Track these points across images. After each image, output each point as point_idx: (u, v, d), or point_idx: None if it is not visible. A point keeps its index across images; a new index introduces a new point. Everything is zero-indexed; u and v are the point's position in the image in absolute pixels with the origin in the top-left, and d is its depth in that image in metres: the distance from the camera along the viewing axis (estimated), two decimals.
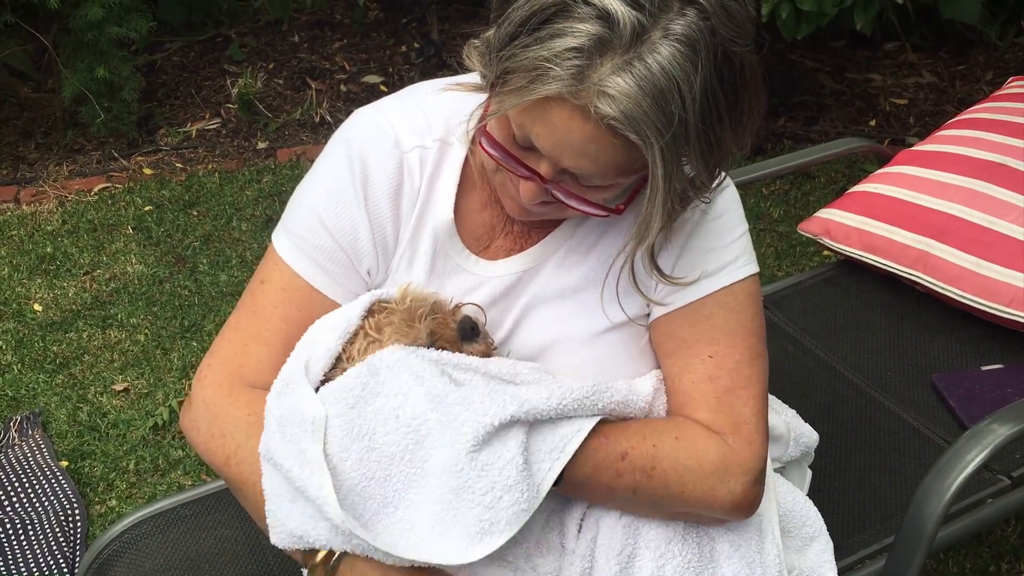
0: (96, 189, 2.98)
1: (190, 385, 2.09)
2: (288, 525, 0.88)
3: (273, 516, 0.89)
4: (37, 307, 2.46)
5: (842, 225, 1.71)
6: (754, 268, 1.01)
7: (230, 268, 2.59)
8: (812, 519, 1.09)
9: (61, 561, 1.72)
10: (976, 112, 1.81)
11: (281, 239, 1.04)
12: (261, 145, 3.19)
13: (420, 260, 1.01)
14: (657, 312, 1.00)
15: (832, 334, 1.62)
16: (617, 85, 0.77)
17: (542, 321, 1.01)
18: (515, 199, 0.93)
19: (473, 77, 0.96)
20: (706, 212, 0.98)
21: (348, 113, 3.35)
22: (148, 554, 1.34)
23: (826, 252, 2.19)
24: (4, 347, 2.32)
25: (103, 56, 2.94)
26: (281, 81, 3.48)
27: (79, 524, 1.81)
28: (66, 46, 2.98)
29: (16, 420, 2.06)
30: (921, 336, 1.60)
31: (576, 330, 1.00)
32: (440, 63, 3.55)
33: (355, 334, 0.96)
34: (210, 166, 3.09)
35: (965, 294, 1.55)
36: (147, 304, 2.46)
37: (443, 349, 0.95)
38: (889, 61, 3.42)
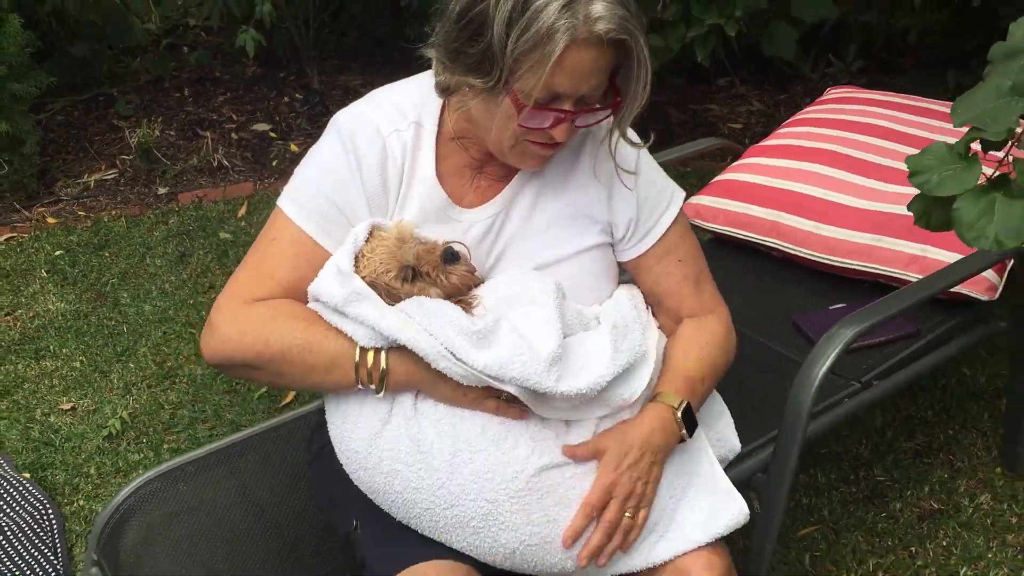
0: (1, 239, 3.07)
1: (134, 400, 2.26)
2: (360, 339, 1.17)
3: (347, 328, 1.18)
4: None
5: (710, 208, 2.08)
6: (682, 192, 1.37)
7: (152, 299, 2.74)
8: (718, 400, 1.41)
9: (49, 554, 1.85)
10: (806, 114, 2.23)
11: (288, 205, 1.28)
12: (162, 190, 3.36)
13: (410, 214, 1.29)
14: (640, 249, 1.33)
15: None
16: (600, 10, 1.08)
17: (520, 253, 1.30)
18: (538, 155, 1.22)
19: (424, 84, 1.28)
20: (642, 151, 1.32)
21: (244, 158, 3.63)
22: (157, 505, 1.52)
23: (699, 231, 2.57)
24: None
25: (3, 111, 3.06)
26: (173, 132, 3.66)
27: (54, 522, 1.94)
28: None
29: None
30: (781, 290, 1.97)
31: (553, 256, 1.30)
32: (324, 110, 3.81)
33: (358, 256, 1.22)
34: (113, 212, 3.23)
35: (812, 252, 1.94)
36: (76, 335, 2.59)
37: (427, 272, 1.22)
38: (723, 94, 3.92)
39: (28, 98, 3.13)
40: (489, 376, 1.15)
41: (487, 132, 1.24)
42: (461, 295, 1.25)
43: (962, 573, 1.79)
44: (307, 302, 1.25)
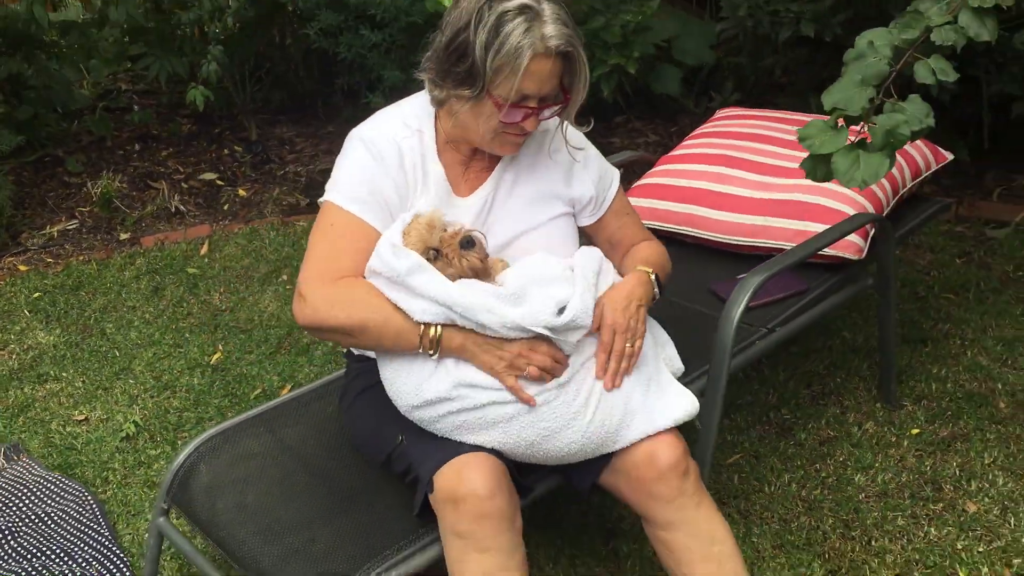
0: None
1: (141, 408, 2.55)
2: (414, 310, 1.51)
3: (405, 305, 1.51)
4: None
5: (635, 206, 2.52)
6: (617, 171, 1.83)
7: (135, 327, 3.02)
8: (663, 328, 1.83)
9: (95, 533, 2.13)
10: (703, 129, 2.72)
11: (336, 197, 1.65)
12: (124, 236, 3.64)
13: (427, 202, 1.68)
14: (600, 213, 1.76)
15: None
16: (551, 30, 1.50)
17: (505, 226, 1.70)
18: (514, 142, 1.63)
19: (415, 111, 1.68)
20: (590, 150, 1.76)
21: (197, 204, 4.01)
22: (217, 457, 1.84)
23: None
24: None
25: None
26: (125, 185, 3.94)
27: (94, 505, 2.21)
28: None
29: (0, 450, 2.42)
30: (697, 267, 2.41)
31: (530, 225, 1.70)
32: (266, 158, 4.16)
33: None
34: (81, 257, 3.49)
35: (719, 235, 2.40)
36: (72, 361, 2.85)
37: (446, 255, 1.60)
38: (622, 128, 4.44)
39: (17, 153, 3.39)
40: (524, 326, 1.53)
41: (474, 130, 1.64)
42: (468, 277, 1.62)
43: (856, 479, 2.24)
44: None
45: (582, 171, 1.76)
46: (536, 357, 1.55)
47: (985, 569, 1.97)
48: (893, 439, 2.38)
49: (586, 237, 1.86)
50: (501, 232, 1.71)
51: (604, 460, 1.68)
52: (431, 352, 1.55)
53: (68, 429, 2.54)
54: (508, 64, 1.52)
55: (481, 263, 1.63)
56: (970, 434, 2.37)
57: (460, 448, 1.57)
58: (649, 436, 1.64)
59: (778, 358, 2.72)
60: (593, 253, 1.74)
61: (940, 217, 3.47)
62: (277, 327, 2.99)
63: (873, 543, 2.06)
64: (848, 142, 1.55)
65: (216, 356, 2.85)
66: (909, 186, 2.48)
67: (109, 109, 4.64)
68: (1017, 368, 2.62)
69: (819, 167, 1.58)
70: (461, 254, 1.58)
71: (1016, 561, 1.99)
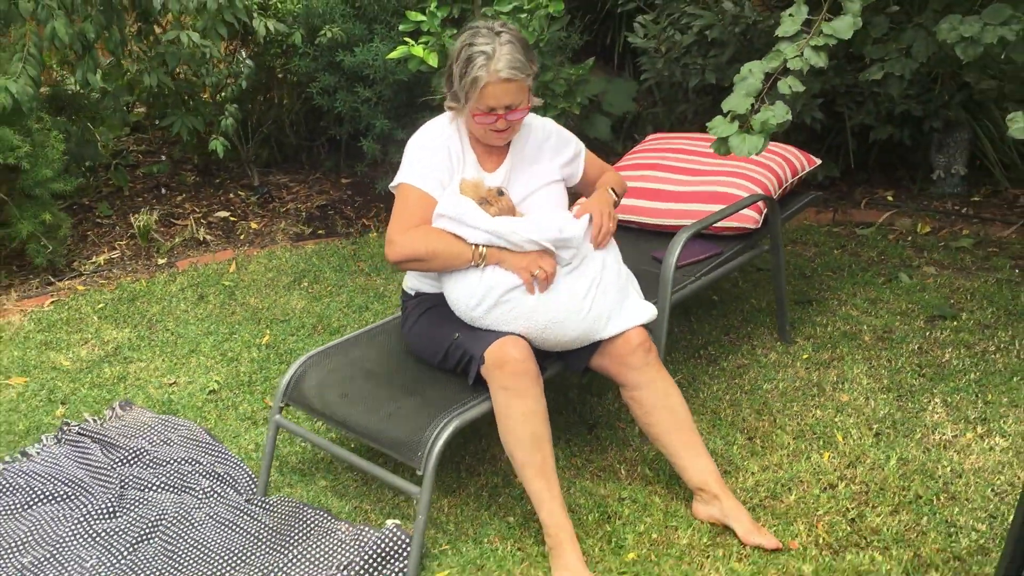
0: (47, 303, 3.97)
1: (216, 375, 3.27)
2: (469, 238, 2.31)
3: (459, 232, 2.32)
4: (65, 362, 3.47)
5: None
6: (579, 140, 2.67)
7: (192, 324, 3.74)
8: (632, 273, 2.66)
9: (214, 450, 2.85)
10: (640, 146, 3.62)
11: (407, 178, 2.45)
12: (161, 261, 4.35)
13: (470, 174, 2.50)
14: (579, 173, 2.59)
15: None
16: (502, 65, 2.30)
17: (517, 189, 2.52)
18: (498, 136, 2.45)
19: (447, 114, 2.51)
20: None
21: (218, 235, 4.95)
22: (316, 369, 2.60)
23: None
24: (57, 387, 3.31)
25: (47, 206, 4.02)
26: (154, 223, 4.66)
27: (204, 432, 2.92)
28: (17, 198, 4.01)
29: (113, 406, 3.11)
30: (642, 243, 3.26)
31: (534, 188, 2.53)
32: (270, 198, 4.94)
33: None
34: (128, 278, 4.19)
35: (656, 219, 3.27)
36: (149, 347, 3.56)
37: (489, 201, 2.42)
38: None
39: (64, 196, 4.09)
40: (535, 239, 2.35)
41: (471, 129, 2.48)
42: (505, 214, 2.45)
43: (764, 386, 3.09)
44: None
45: (563, 147, 2.61)
46: (543, 262, 2.37)
47: (854, 432, 2.83)
48: (789, 362, 3.25)
49: (577, 195, 2.70)
50: (516, 193, 2.54)
51: (592, 349, 2.49)
52: (478, 263, 2.36)
53: (162, 390, 3.25)
54: (473, 88, 2.36)
55: (510, 204, 2.46)
56: (844, 356, 3.26)
57: (500, 334, 2.37)
58: (625, 329, 2.46)
59: (704, 316, 3.58)
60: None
61: (821, 221, 4.44)
62: (309, 317, 3.75)
63: (777, 421, 2.90)
64: (738, 130, 2.44)
65: (266, 338, 3.59)
66: (791, 181, 3.40)
67: (118, 166, 5.35)
68: (877, 316, 3.53)
69: (721, 146, 2.47)
70: (497, 199, 2.41)
71: (875, 426, 2.86)
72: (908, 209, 4.52)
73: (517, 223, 2.37)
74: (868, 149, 4.77)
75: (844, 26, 2.63)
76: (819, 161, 3.59)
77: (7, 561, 2.38)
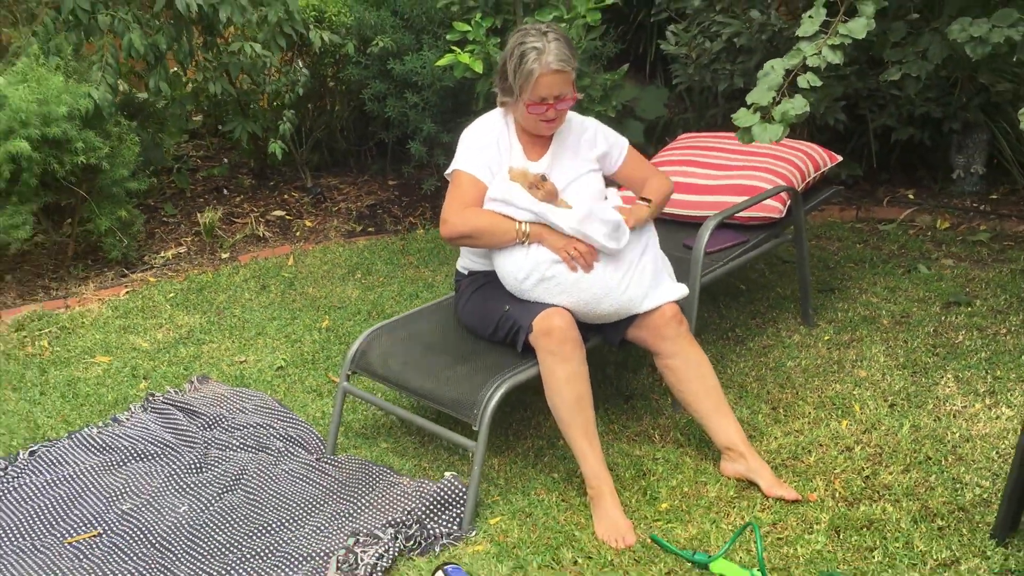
0: (123, 294, 4.30)
1: (282, 355, 3.57)
2: (515, 215, 2.59)
3: (511, 213, 2.59)
4: (144, 344, 3.79)
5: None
6: (626, 139, 2.93)
7: (257, 310, 4.05)
8: (666, 258, 2.93)
9: (285, 416, 3.14)
10: (670, 146, 3.89)
11: (461, 165, 2.74)
12: (224, 256, 4.68)
13: (516, 163, 2.78)
14: (617, 166, 2.85)
15: None
16: (551, 57, 2.59)
17: (558, 177, 2.80)
18: (547, 126, 2.72)
19: (499, 114, 2.79)
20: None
21: (278, 232, 5.34)
22: (380, 340, 2.88)
23: None
24: (138, 364, 3.62)
25: (123, 203, 4.36)
26: (218, 220, 4.99)
27: (275, 402, 3.22)
28: (96, 196, 4.36)
29: (191, 380, 3.42)
30: (675, 232, 3.53)
31: (576, 176, 2.81)
32: (323, 198, 5.26)
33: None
34: (195, 271, 4.52)
35: (687, 211, 3.53)
36: (219, 330, 3.87)
37: (535, 186, 2.70)
38: None
39: (139, 194, 4.43)
40: (575, 227, 2.63)
41: (521, 120, 2.76)
42: (548, 200, 2.73)
43: (787, 364, 3.34)
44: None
45: (600, 141, 2.88)
46: (579, 247, 2.64)
47: (871, 403, 3.07)
48: (812, 343, 3.49)
49: (615, 184, 2.97)
50: (557, 181, 2.82)
51: (628, 323, 2.76)
52: (523, 240, 2.63)
53: (233, 367, 3.55)
54: (528, 81, 2.64)
55: (553, 190, 2.74)
56: (863, 338, 3.50)
57: (547, 305, 2.65)
58: (660, 304, 2.73)
59: (732, 302, 3.84)
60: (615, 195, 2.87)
61: (845, 218, 4.68)
62: (363, 304, 4.04)
63: (799, 393, 3.15)
64: (760, 120, 2.71)
65: (325, 322, 3.89)
66: (813, 175, 3.65)
67: (180, 169, 5.70)
68: (896, 303, 3.76)
69: (745, 135, 2.73)
70: (542, 184, 2.69)
71: (890, 398, 3.09)
72: (928, 206, 4.74)
73: (557, 209, 2.65)
74: (890, 150, 5.00)
75: (859, 27, 2.89)
76: (840, 158, 3.83)
77: (109, 507, 2.69)
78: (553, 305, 2.65)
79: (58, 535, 2.58)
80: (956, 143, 4.80)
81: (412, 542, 2.48)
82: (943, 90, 4.60)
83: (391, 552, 2.42)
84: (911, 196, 4.90)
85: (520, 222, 2.64)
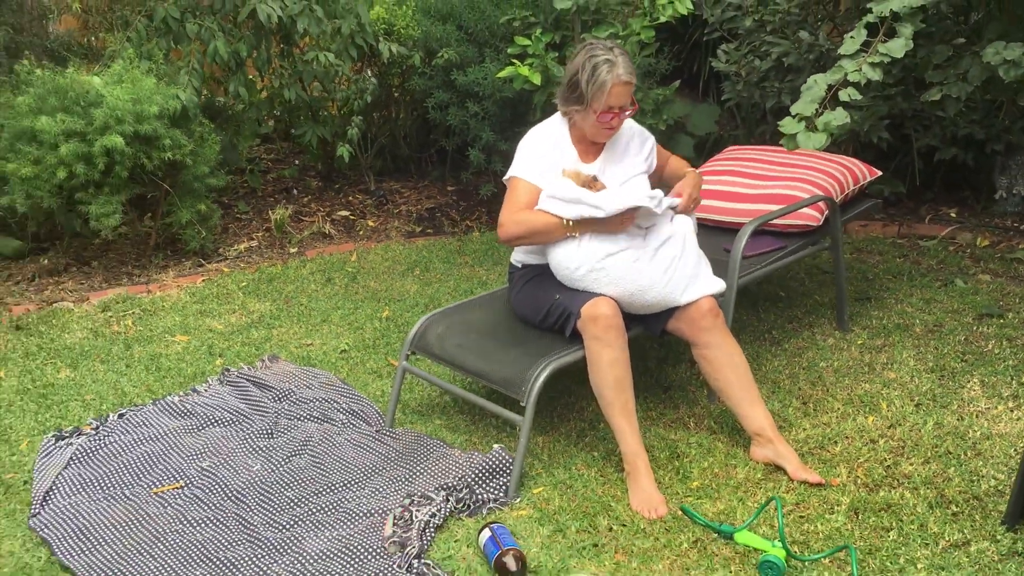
0: (199, 281, 4.62)
1: (345, 340, 3.84)
2: (563, 214, 2.83)
3: (556, 209, 2.83)
4: (218, 326, 4.09)
5: None
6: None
7: (322, 300, 4.34)
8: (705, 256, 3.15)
9: (348, 393, 3.41)
10: (717, 157, 4.10)
11: (517, 172, 2.99)
12: (292, 250, 4.99)
13: (571, 165, 3.03)
14: (655, 165, 3.09)
15: None
16: (621, 70, 2.84)
17: (609, 178, 3.03)
18: (608, 133, 2.96)
19: (555, 123, 3.04)
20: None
21: (342, 230, 5.69)
22: (438, 324, 3.13)
23: None
24: (214, 344, 3.92)
25: (203, 198, 4.69)
26: (287, 218, 5.31)
27: (339, 380, 3.49)
28: (179, 190, 4.69)
29: (263, 358, 3.70)
30: (716, 237, 3.74)
31: (627, 178, 3.04)
32: (385, 200, 5.55)
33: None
34: (265, 263, 4.83)
35: (728, 217, 3.74)
36: (287, 317, 4.16)
37: (588, 185, 2.94)
38: None
39: (216, 191, 4.76)
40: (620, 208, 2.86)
41: (585, 128, 2.99)
42: None
43: (820, 364, 3.53)
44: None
45: (643, 143, 3.11)
46: (628, 222, 2.87)
47: (897, 402, 3.25)
48: (845, 346, 3.67)
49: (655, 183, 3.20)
50: (608, 183, 3.05)
51: (668, 314, 2.98)
52: (571, 233, 2.87)
53: (301, 349, 3.84)
54: (600, 91, 2.88)
55: (602, 189, 2.97)
56: (895, 343, 3.67)
57: (595, 294, 2.88)
58: (698, 297, 2.94)
59: (770, 307, 4.03)
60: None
61: (886, 234, 4.84)
62: (421, 298, 4.31)
63: (829, 391, 3.33)
64: (804, 129, 2.93)
65: (386, 312, 4.17)
66: (853, 188, 3.84)
67: (253, 170, 6.05)
68: (930, 313, 3.92)
69: (790, 142, 2.95)
70: (594, 185, 2.93)
71: (917, 398, 3.26)
72: (970, 225, 4.88)
73: (603, 193, 2.89)
74: (934, 170, 5.15)
75: (897, 46, 3.10)
76: (880, 172, 4.01)
77: (190, 464, 2.97)
78: (601, 294, 2.88)
79: (145, 486, 2.87)
80: (999, 164, 4.94)
81: (462, 504, 2.72)
82: (987, 112, 4.75)
83: (443, 512, 2.66)
84: (953, 215, 5.04)
85: (566, 220, 2.88)
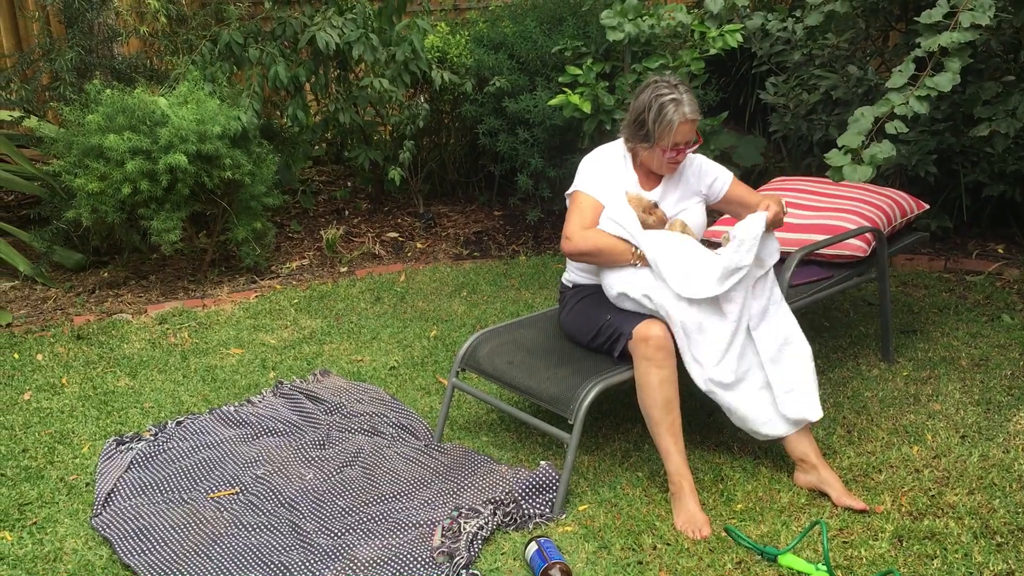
0: (253, 297, 4.75)
1: (394, 357, 3.93)
2: (630, 239, 2.90)
3: (618, 234, 2.90)
4: (272, 341, 4.20)
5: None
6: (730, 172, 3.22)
7: (371, 318, 4.44)
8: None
9: (397, 408, 3.49)
10: (768, 185, 4.15)
11: (581, 187, 3.06)
12: (343, 270, 5.10)
13: (632, 191, 3.10)
14: (722, 194, 3.15)
15: None
16: (687, 108, 2.93)
17: (669, 205, 3.10)
18: (672, 167, 3.04)
19: (619, 147, 3.12)
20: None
21: (391, 251, 5.81)
22: (487, 343, 3.21)
23: None
24: (267, 357, 4.03)
25: (259, 216, 4.83)
26: (338, 238, 5.43)
27: (389, 396, 3.57)
28: (236, 208, 4.84)
29: (314, 372, 3.80)
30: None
31: (685, 204, 3.11)
32: (433, 223, 5.66)
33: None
34: (316, 281, 4.95)
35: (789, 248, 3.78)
36: (338, 333, 4.26)
37: (648, 211, 3.00)
38: None
39: (271, 210, 4.90)
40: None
41: (650, 162, 3.07)
42: (656, 228, 3.03)
43: (865, 394, 3.55)
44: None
45: (704, 175, 3.18)
46: None
47: (943, 433, 3.26)
48: (890, 377, 3.69)
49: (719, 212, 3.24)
50: (668, 209, 3.12)
51: None
52: (636, 263, 2.94)
53: (351, 365, 3.93)
54: (667, 129, 2.95)
55: (662, 217, 3.03)
56: (940, 376, 3.68)
57: (645, 317, 2.94)
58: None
59: (816, 337, 4.06)
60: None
61: (933, 268, 4.85)
62: (468, 318, 4.39)
63: (874, 420, 3.35)
64: (850, 161, 2.98)
65: (433, 332, 4.25)
66: (900, 220, 3.87)
67: (305, 191, 6.20)
68: (976, 347, 3.93)
69: (836, 174, 3.00)
70: (653, 211, 3.00)
71: (962, 430, 3.27)
72: (1018, 261, 4.87)
73: (654, 237, 2.94)
74: (982, 205, 5.15)
75: (945, 81, 3.15)
76: (927, 206, 4.04)
77: (244, 471, 3.06)
78: (650, 316, 2.94)
79: (202, 491, 2.96)
80: None
81: (508, 518, 2.77)
82: None
83: (490, 525, 2.72)
84: (1000, 251, 5.04)
85: (636, 248, 2.94)
